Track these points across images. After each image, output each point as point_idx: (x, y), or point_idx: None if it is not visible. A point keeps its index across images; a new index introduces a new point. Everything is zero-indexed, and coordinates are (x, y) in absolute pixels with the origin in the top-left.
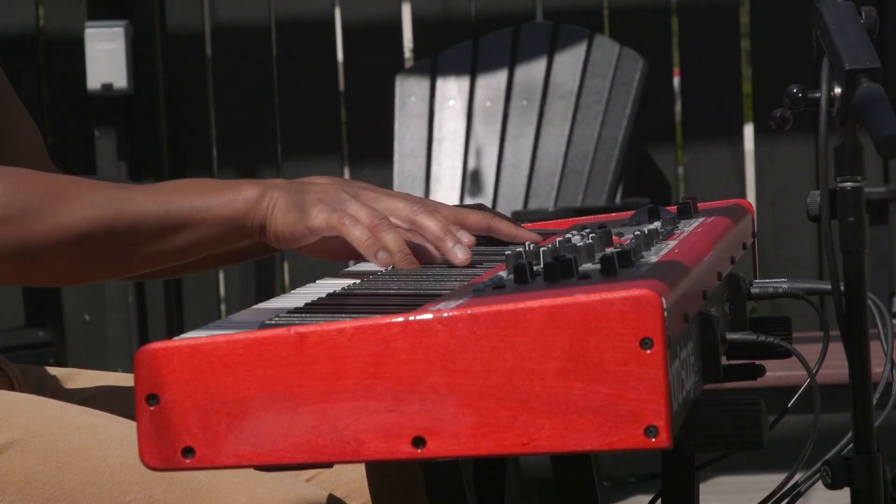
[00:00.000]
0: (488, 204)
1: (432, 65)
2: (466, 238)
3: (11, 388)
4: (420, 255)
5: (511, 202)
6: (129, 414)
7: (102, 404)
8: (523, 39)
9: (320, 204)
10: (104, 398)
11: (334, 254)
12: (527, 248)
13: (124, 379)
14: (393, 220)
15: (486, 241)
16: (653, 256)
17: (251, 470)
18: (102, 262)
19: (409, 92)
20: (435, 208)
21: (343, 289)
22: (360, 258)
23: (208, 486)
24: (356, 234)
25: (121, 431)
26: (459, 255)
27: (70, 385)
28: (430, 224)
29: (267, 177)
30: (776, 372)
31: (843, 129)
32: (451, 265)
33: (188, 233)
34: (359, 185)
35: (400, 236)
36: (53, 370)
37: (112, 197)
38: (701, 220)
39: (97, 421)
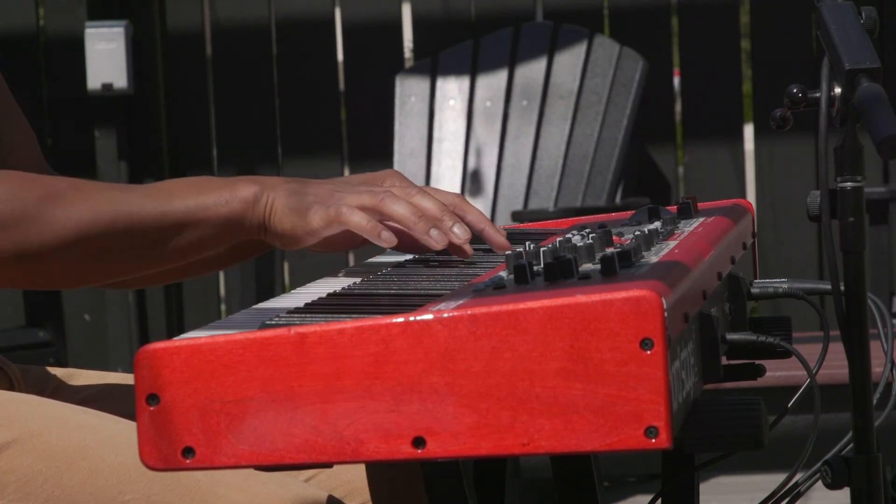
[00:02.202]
0: (488, 204)
1: (432, 65)
2: (462, 230)
3: (11, 387)
4: (416, 244)
5: (511, 202)
6: (130, 414)
7: (102, 404)
8: (523, 39)
9: (316, 205)
10: (104, 398)
11: (338, 245)
12: (527, 248)
13: (124, 379)
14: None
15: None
16: (653, 256)
17: (250, 470)
18: (100, 264)
19: (409, 92)
20: (434, 193)
21: (343, 289)
22: (362, 246)
23: (207, 486)
24: (355, 220)
25: (120, 431)
26: (460, 233)
27: (70, 385)
28: (428, 204)
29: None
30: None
31: (843, 129)
32: (451, 266)
33: (186, 233)
34: (357, 179)
35: (407, 204)
36: (53, 370)
37: (109, 199)
38: (701, 220)
39: (96, 421)
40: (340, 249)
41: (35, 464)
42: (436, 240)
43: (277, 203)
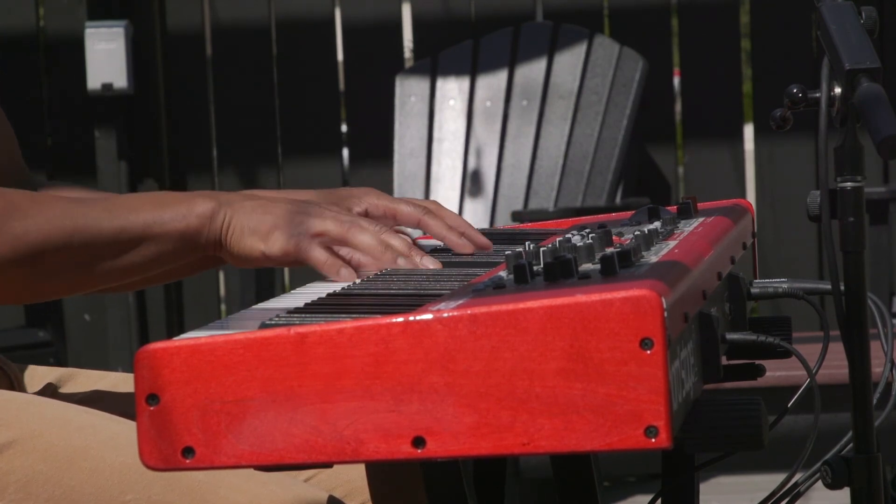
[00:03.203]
0: (488, 204)
1: (432, 65)
2: (431, 262)
3: (11, 387)
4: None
5: (511, 202)
6: (130, 413)
7: (103, 404)
8: (523, 39)
9: (277, 230)
10: (104, 398)
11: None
12: (527, 248)
13: (125, 378)
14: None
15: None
16: (653, 256)
17: (250, 470)
18: (58, 278)
19: (409, 92)
20: (386, 228)
21: (343, 289)
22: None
23: (207, 487)
24: (315, 256)
25: (120, 431)
26: (429, 265)
27: (70, 385)
28: (395, 242)
29: (267, 177)
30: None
31: (843, 129)
32: (451, 266)
33: (143, 248)
34: (312, 200)
35: (373, 234)
36: (54, 370)
37: (67, 213)
38: (701, 220)
39: (97, 421)
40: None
41: (36, 464)
42: (404, 267)
43: (236, 221)
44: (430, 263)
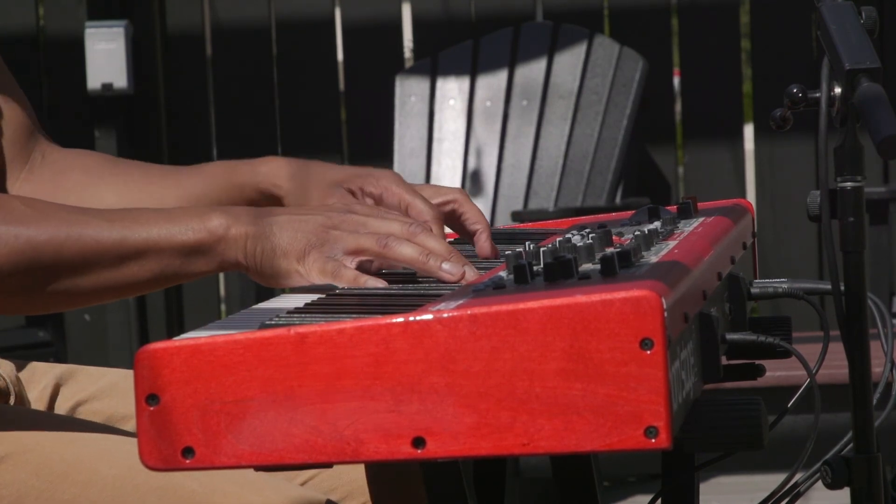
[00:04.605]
0: (488, 204)
1: (432, 65)
2: (471, 272)
3: (6, 391)
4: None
5: (511, 202)
6: (131, 410)
7: (103, 402)
8: (523, 39)
9: (313, 251)
10: (104, 396)
11: None
12: (527, 248)
13: (125, 375)
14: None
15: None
16: (653, 256)
17: (246, 477)
18: (46, 290)
19: (409, 92)
20: (420, 228)
21: (343, 289)
22: None
23: (202, 496)
24: (349, 277)
25: (113, 443)
26: (469, 275)
27: (71, 382)
28: (434, 245)
29: None
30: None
31: (843, 129)
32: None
33: (146, 262)
34: (338, 209)
35: (412, 245)
36: (54, 367)
37: (63, 219)
38: (701, 220)
39: (89, 433)
40: None
41: (28, 478)
42: (450, 272)
43: (264, 242)
44: (471, 274)
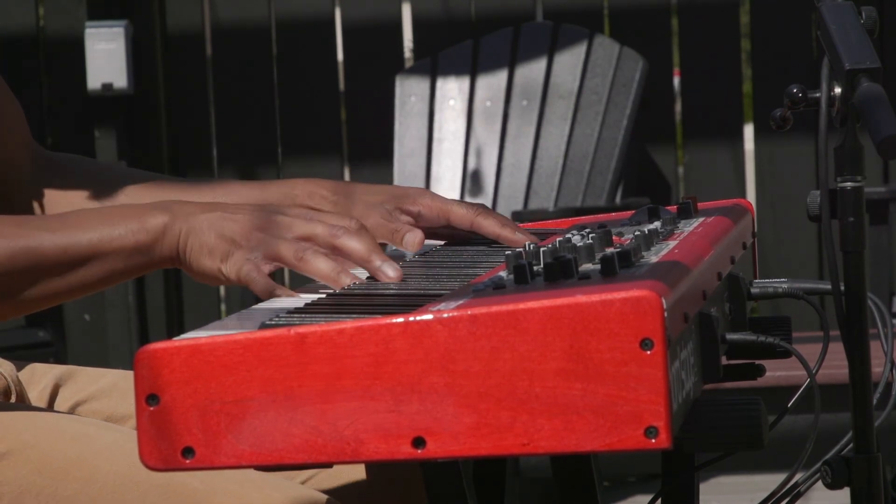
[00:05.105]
0: (488, 204)
1: (432, 65)
2: (393, 271)
3: (8, 390)
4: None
5: (511, 202)
6: (131, 410)
7: (103, 402)
8: (523, 39)
9: (236, 252)
10: (104, 396)
11: None
12: (527, 248)
13: (125, 376)
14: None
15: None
16: (653, 256)
17: (248, 476)
18: (9, 300)
19: (409, 92)
20: (342, 230)
21: (343, 289)
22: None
23: (203, 494)
24: (261, 286)
25: (115, 440)
26: (389, 272)
27: (70, 383)
28: (354, 245)
29: (267, 176)
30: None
31: (843, 129)
32: (451, 266)
33: (91, 266)
34: (270, 209)
35: (327, 259)
36: (54, 368)
37: (8, 234)
38: (701, 220)
39: (91, 430)
40: None
41: (29, 475)
42: (379, 273)
43: (193, 239)
44: (389, 270)
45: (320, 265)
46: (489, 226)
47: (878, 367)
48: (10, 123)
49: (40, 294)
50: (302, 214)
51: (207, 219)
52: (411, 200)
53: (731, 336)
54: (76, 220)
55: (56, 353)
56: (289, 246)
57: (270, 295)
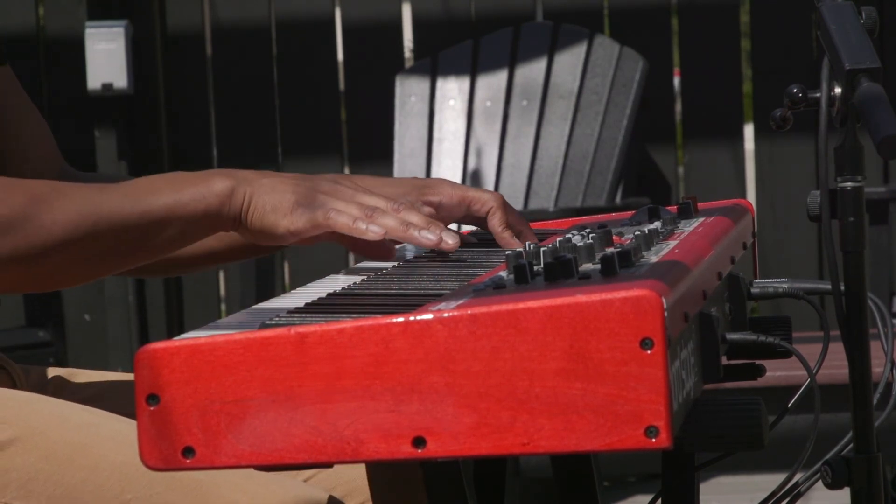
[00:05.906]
0: None
1: (432, 65)
2: (452, 238)
3: (14, 386)
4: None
5: (511, 202)
6: (131, 413)
7: (103, 403)
8: (523, 39)
9: (300, 208)
10: (104, 398)
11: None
12: (527, 248)
13: (125, 377)
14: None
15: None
16: (653, 256)
17: (251, 470)
18: (89, 264)
19: (409, 92)
20: (402, 205)
21: (343, 289)
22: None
23: (208, 486)
24: (342, 221)
25: (121, 429)
26: (449, 240)
27: (70, 384)
28: (412, 217)
29: None
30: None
31: (843, 129)
32: (451, 266)
33: (167, 230)
34: (333, 178)
35: (395, 218)
36: (54, 370)
37: (90, 200)
38: (701, 220)
39: (97, 419)
40: (318, 241)
41: (36, 462)
42: (429, 238)
43: (257, 199)
44: (450, 239)
45: (388, 221)
46: (493, 224)
47: (878, 367)
48: (34, 139)
49: (119, 258)
50: (361, 188)
51: (270, 182)
52: (432, 191)
53: (731, 336)
54: (148, 186)
55: (56, 353)
56: (356, 206)
57: (353, 224)
